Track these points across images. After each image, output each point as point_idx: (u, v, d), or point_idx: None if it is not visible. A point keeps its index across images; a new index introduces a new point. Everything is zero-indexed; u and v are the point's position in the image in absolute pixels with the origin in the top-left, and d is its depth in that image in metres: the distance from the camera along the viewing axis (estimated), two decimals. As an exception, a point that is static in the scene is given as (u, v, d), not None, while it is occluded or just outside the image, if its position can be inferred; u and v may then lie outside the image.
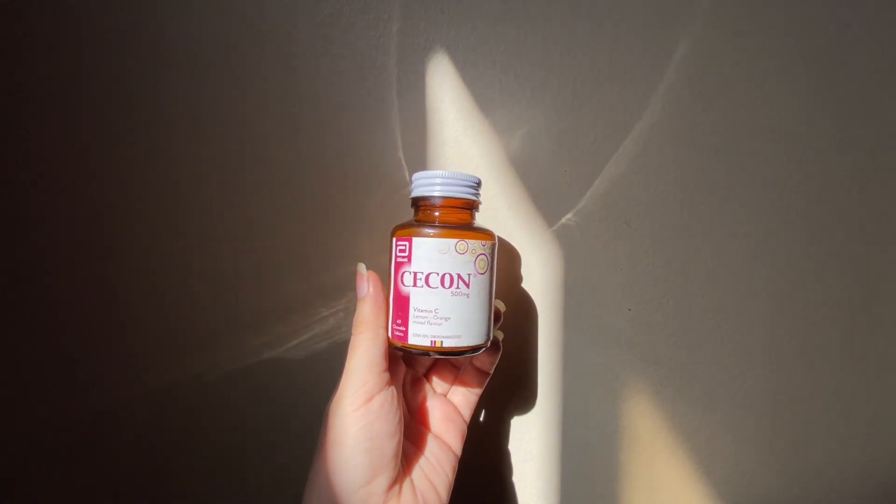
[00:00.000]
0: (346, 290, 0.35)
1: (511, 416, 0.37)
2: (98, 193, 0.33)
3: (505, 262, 0.36)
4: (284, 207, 0.34)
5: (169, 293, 0.34)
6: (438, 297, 0.26)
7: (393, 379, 0.28)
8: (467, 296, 0.26)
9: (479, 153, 0.35)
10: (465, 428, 0.31)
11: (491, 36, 0.34)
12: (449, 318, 0.26)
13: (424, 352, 0.27)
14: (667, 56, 0.35)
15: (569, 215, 0.36)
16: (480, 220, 0.36)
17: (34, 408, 0.34)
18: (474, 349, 0.27)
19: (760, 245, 0.36)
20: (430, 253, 0.26)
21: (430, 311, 0.26)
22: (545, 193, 0.35)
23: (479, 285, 0.27)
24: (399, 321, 0.27)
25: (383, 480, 0.25)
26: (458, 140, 0.35)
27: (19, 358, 0.34)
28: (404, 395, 0.31)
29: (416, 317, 0.26)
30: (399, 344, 0.27)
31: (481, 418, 0.38)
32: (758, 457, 0.37)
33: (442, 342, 0.26)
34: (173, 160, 0.33)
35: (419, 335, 0.26)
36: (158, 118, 0.33)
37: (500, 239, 0.36)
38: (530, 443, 0.37)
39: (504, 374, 0.35)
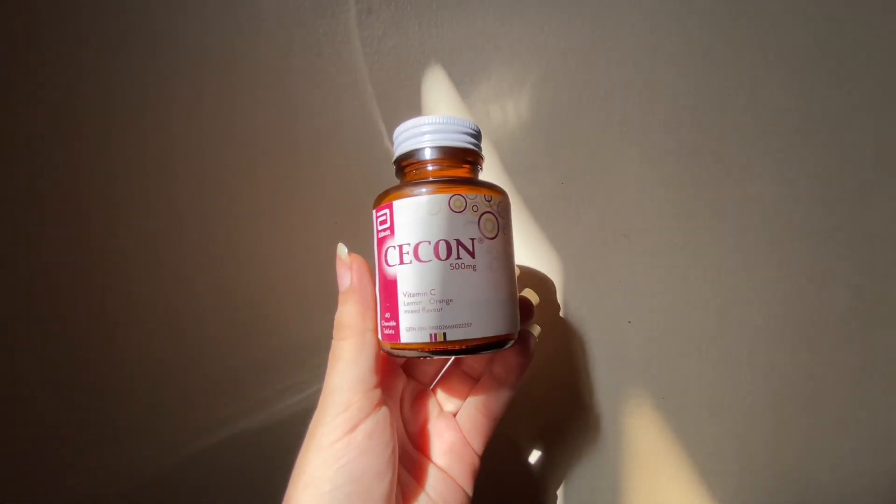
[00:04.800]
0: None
1: (510, 432, 0.37)
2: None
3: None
4: (281, 220, 0.34)
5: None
6: (433, 273, 0.19)
7: (388, 395, 0.22)
8: (473, 268, 0.19)
9: (478, 167, 0.35)
10: (477, 462, 0.24)
11: (486, 50, 0.34)
12: (451, 301, 0.19)
13: (424, 353, 0.19)
14: (664, 66, 0.34)
15: (567, 229, 0.35)
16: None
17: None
18: (494, 343, 0.20)
19: (761, 256, 0.36)
20: (416, 216, 0.19)
21: (425, 294, 0.19)
22: (543, 207, 0.35)
23: (488, 253, 0.19)
24: (388, 315, 0.20)
25: None
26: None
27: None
28: (403, 416, 0.24)
29: (407, 304, 0.19)
30: (389, 346, 0.20)
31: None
32: (762, 470, 0.37)
33: (444, 334, 0.19)
34: (166, 170, 0.33)
35: (413, 329, 0.19)
36: (154, 128, 0.33)
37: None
38: (532, 458, 0.37)
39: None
